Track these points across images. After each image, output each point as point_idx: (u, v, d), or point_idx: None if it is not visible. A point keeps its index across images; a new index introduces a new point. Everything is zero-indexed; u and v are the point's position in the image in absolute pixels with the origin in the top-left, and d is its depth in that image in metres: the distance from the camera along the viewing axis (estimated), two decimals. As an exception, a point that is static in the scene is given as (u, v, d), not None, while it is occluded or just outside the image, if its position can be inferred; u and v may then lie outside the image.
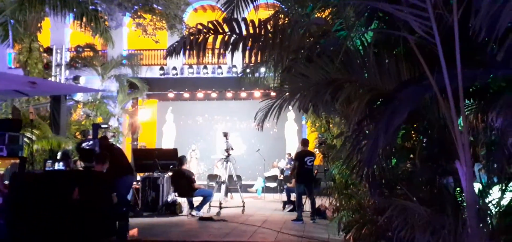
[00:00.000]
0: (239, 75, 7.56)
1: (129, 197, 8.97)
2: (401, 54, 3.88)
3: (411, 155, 4.20)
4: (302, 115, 14.35)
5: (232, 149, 11.45)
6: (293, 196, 11.32)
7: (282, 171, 16.37)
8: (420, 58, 3.38)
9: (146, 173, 11.44)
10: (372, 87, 3.74)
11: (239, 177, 13.33)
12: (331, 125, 9.37)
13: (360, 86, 3.80)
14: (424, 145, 4.05)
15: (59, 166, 9.77)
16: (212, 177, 15.55)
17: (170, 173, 11.23)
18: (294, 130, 20.42)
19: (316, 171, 10.75)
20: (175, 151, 11.90)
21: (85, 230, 6.49)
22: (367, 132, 3.60)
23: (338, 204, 7.26)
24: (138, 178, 11.76)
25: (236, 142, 16.50)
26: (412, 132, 4.22)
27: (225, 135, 11.46)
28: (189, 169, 12.39)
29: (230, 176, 12.12)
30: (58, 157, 11.84)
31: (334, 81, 3.80)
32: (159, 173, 11.13)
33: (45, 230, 5.75)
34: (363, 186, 5.35)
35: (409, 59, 3.76)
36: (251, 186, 16.81)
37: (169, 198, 11.25)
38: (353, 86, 3.79)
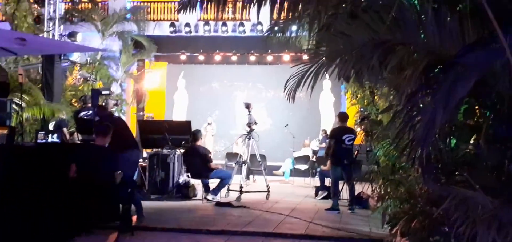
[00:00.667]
0: (266, 35, 7.49)
1: (134, 177, 9.05)
2: (467, 10, 3.77)
3: (475, 135, 4.11)
4: (341, 84, 14.15)
5: (255, 123, 11.45)
6: (328, 181, 11.28)
7: (315, 152, 16.34)
8: (490, 15, 3.27)
9: (154, 150, 11.54)
10: (429, 51, 3.67)
11: (263, 157, 13.35)
12: (376, 97, 9.20)
13: (415, 49, 3.75)
14: (491, 123, 3.96)
15: (53, 138, 9.91)
16: (231, 156, 15.66)
17: (182, 150, 11.31)
18: (330, 102, 20.35)
19: (356, 151, 10.68)
20: (188, 124, 12.00)
21: (83, 213, 6.52)
22: (421, 106, 3.56)
23: (382, 192, 7.01)
24: (145, 154, 11.88)
25: (260, 115, 16.57)
26: (477, 107, 4.13)
27: (248, 106, 11.45)
28: (204, 146, 12.43)
29: (253, 156, 12.16)
30: (52, 127, 12.04)
31: (383, 43, 3.74)
32: (169, 150, 11.23)
33: (36, 213, 5.79)
34: (414, 171, 5.17)
35: (477, 16, 3.64)
36: (278, 168, 16.85)
37: (181, 179, 11.33)
38: (407, 49, 3.73)
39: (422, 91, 3.60)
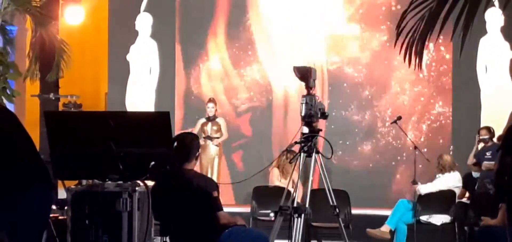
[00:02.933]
0: None
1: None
2: None
3: None
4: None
5: (322, 115, 6.92)
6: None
7: (469, 181, 9.97)
8: None
9: (83, 182, 7.67)
10: None
11: (342, 197, 8.54)
12: None
13: None
14: None
15: None
16: (264, 195, 10.25)
17: (151, 183, 6.85)
18: (503, 62, 11.96)
19: None
20: (163, 119, 7.13)
21: None
22: None
23: None
24: (62, 194, 7.96)
25: (333, 94, 10.73)
26: None
27: (305, 75, 6.97)
28: (203, 172, 8.99)
29: (318, 193, 8.06)
30: None
31: None
32: (120, 183, 6.50)
33: None
34: None
35: None
36: (379, 221, 10.37)
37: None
38: None
39: None
